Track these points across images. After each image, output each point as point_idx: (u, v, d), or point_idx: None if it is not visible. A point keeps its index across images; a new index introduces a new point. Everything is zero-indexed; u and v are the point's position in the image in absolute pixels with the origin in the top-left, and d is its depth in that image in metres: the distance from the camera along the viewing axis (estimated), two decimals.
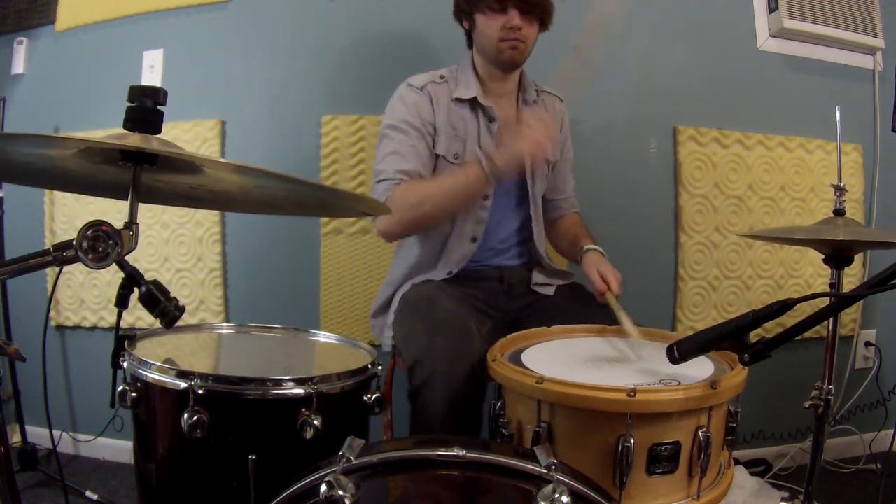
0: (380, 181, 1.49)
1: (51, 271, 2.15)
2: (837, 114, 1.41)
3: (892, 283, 0.88)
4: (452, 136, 1.54)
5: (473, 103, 1.56)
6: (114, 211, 2.07)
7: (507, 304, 1.58)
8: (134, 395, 1.07)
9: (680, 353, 0.99)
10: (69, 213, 2.23)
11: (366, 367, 1.12)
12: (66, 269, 1.03)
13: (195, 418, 0.96)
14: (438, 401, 1.20)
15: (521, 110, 1.62)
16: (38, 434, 2.13)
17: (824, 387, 1.32)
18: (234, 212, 2.05)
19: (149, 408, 1.07)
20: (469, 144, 1.54)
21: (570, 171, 1.79)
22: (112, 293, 1.16)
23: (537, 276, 1.64)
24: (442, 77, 1.58)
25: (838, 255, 1.30)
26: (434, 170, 1.54)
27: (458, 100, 1.56)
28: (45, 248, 0.81)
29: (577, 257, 1.57)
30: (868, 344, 2.34)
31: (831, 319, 1.35)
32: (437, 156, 1.54)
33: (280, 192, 0.99)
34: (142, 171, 0.83)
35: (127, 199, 0.84)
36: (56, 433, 2.24)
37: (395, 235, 1.57)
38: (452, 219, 1.55)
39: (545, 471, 0.72)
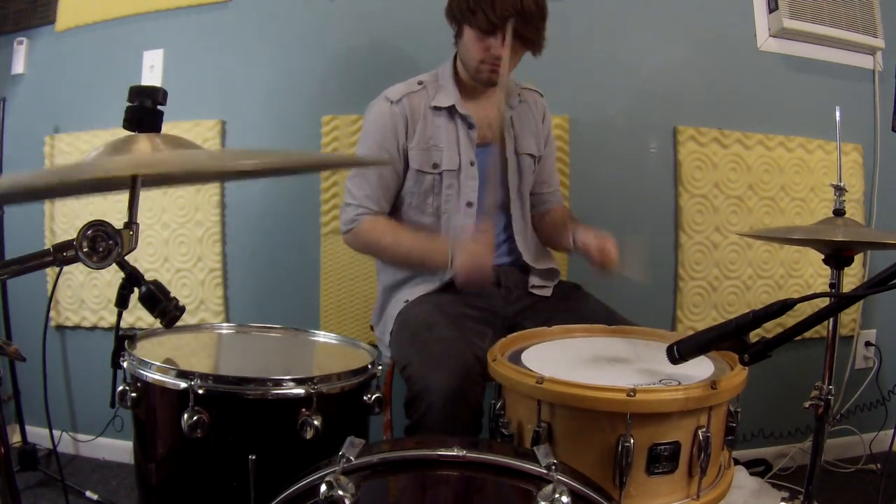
0: (348, 204, 1.55)
1: (51, 271, 2.15)
2: (837, 114, 1.41)
3: (892, 283, 0.88)
4: (427, 148, 1.53)
5: (451, 111, 1.55)
6: (114, 211, 2.07)
7: (505, 309, 1.57)
8: (134, 395, 1.07)
9: (680, 353, 0.99)
10: (69, 213, 2.24)
11: (366, 367, 1.13)
12: (66, 269, 1.03)
13: (195, 418, 0.96)
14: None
15: (506, 113, 1.59)
16: (38, 434, 2.13)
17: (824, 387, 1.32)
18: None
19: (149, 408, 1.07)
20: (447, 152, 1.53)
21: (554, 165, 1.77)
22: (112, 293, 1.16)
23: (534, 279, 1.62)
24: (420, 83, 1.57)
25: (838, 255, 1.30)
26: (404, 181, 1.56)
27: (436, 108, 1.54)
28: (45, 248, 0.81)
29: (569, 241, 1.52)
30: (868, 344, 2.34)
31: (831, 319, 1.35)
32: (410, 169, 1.54)
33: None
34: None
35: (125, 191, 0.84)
36: (56, 433, 2.23)
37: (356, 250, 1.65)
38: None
39: (545, 471, 0.72)
